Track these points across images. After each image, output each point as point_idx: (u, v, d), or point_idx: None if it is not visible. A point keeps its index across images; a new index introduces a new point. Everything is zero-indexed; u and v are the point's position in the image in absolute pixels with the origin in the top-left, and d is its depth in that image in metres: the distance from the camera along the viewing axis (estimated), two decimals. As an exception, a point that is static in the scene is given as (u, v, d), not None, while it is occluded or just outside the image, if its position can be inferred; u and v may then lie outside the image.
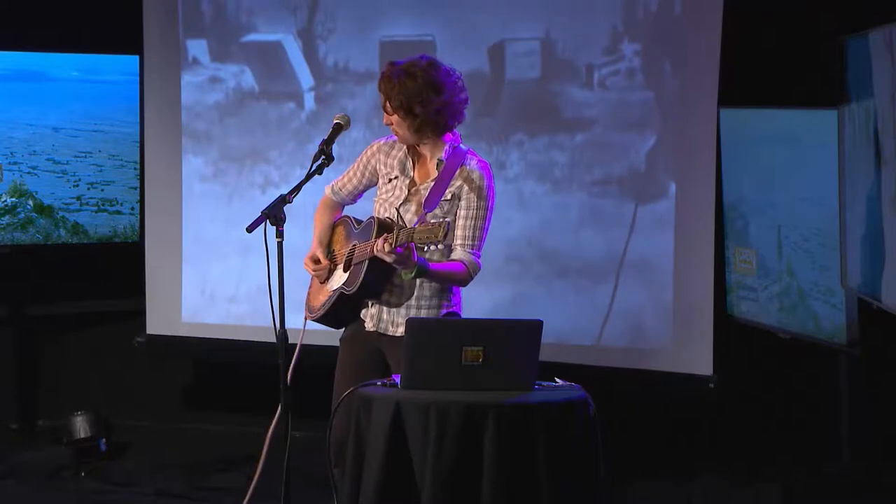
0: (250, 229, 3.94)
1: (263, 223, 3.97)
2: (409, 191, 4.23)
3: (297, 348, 4.25)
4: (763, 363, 5.84)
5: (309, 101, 5.92)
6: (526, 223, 5.63)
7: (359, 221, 4.33)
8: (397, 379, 3.87)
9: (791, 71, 5.57)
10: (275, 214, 3.94)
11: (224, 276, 6.05)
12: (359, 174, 4.39)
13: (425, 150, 4.25)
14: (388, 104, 4.16)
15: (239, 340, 6.02)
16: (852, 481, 5.49)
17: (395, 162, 4.29)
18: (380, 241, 3.98)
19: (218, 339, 6.09)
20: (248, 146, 6.02)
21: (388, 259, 3.97)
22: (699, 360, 5.43)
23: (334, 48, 5.86)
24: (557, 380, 3.96)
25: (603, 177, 5.55)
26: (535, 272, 5.64)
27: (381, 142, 4.35)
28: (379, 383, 3.91)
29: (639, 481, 5.64)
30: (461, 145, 4.25)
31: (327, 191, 4.47)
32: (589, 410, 3.85)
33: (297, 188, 4.13)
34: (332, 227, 4.44)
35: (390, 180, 4.29)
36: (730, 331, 5.68)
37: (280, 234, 3.96)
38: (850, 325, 5.17)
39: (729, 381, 5.52)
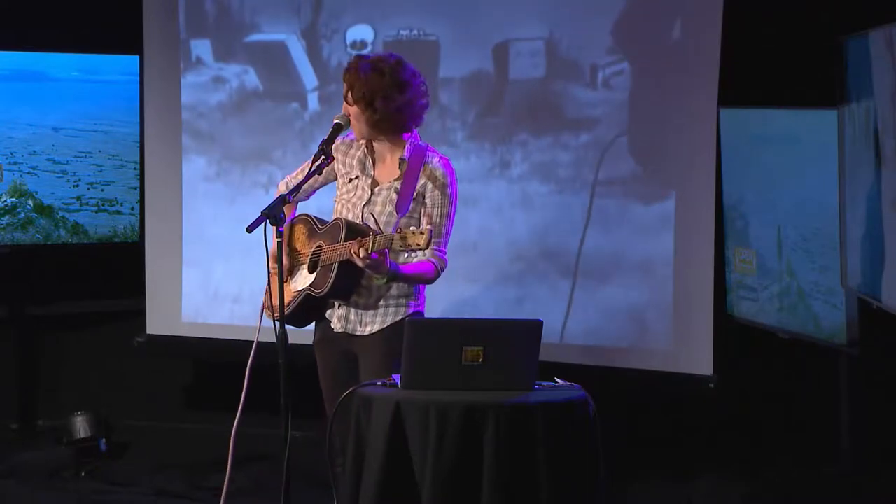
0: (250, 229, 3.94)
1: (263, 223, 3.96)
2: (371, 191, 4.20)
3: (254, 346, 4.25)
4: (763, 363, 5.84)
5: (312, 101, 5.92)
6: (530, 223, 5.63)
7: (322, 221, 4.28)
8: (397, 379, 3.87)
9: (791, 71, 5.57)
10: (274, 214, 3.93)
11: (224, 275, 6.05)
12: (312, 177, 4.30)
13: (384, 148, 4.22)
14: (349, 94, 4.14)
15: (239, 340, 6.00)
16: (852, 481, 5.49)
17: (355, 161, 4.26)
18: (354, 245, 3.95)
19: (218, 339, 6.08)
20: (252, 146, 6.01)
21: (361, 264, 3.95)
22: (699, 360, 5.43)
23: (338, 48, 5.86)
24: (557, 380, 3.96)
25: (606, 177, 5.54)
26: (537, 272, 5.63)
27: (338, 141, 4.29)
28: (379, 383, 3.91)
29: (639, 481, 5.63)
30: (420, 142, 4.23)
31: (281, 187, 4.41)
32: (589, 410, 3.84)
33: (297, 188, 4.13)
34: (291, 225, 4.37)
35: (350, 180, 4.26)
36: (730, 331, 5.68)
37: (280, 234, 3.95)
38: (850, 325, 5.17)
39: (729, 381, 5.52)
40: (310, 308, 4.25)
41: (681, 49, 5.39)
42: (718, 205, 5.56)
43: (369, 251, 3.91)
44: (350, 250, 3.97)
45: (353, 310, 4.22)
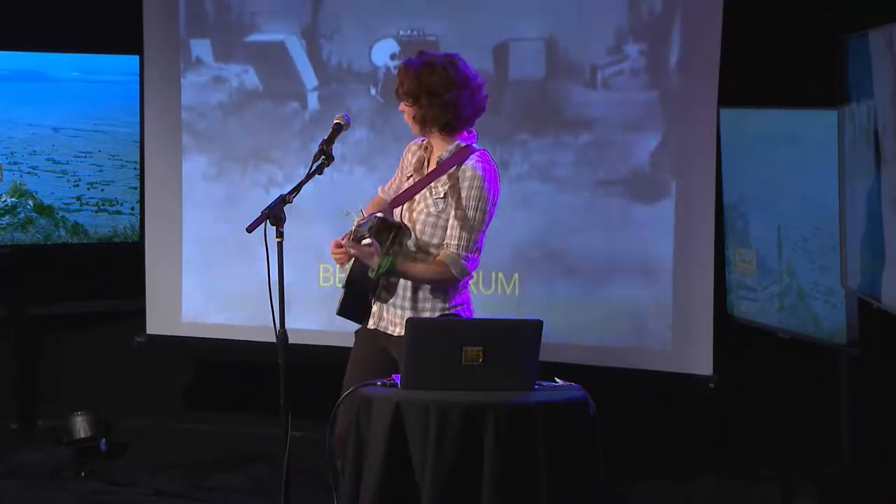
0: (250, 229, 3.94)
1: (264, 223, 3.96)
2: None
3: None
4: (763, 363, 5.84)
5: (312, 100, 5.91)
6: (529, 223, 5.63)
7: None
8: (397, 379, 3.87)
9: (791, 71, 5.57)
10: (275, 214, 3.93)
11: (224, 276, 6.05)
12: (398, 175, 4.43)
13: (436, 148, 4.27)
14: (399, 89, 4.19)
15: (239, 340, 6.02)
16: (852, 481, 5.49)
17: (415, 160, 4.31)
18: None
19: (218, 339, 6.08)
20: (252, 146, 6.01)
21: (350, 252, 4.06)
22: (699, 360, 5.43)
23: (338, 48, 5.86)
24: (557, 380, 3.96)
25: (606, 177, 5.54)
26: (537, 271, 5.63)
27: (413, 141, 4.37)
28: (379, 383, 3.91)
29: (639, 481, 5.64)
30: (474, 144, 4.24)
31: (378, 191, 4.51)
32: (589, 410, 3.84)
33: (298, 188, 4.12)
34: None
35: (408, 178, 4.31)
36: (730, 331, 5.68)
37: (280, 234, 3.95)
38: (850, 325, 5.17)
39: (729, 381, 5.52)
40: (352, 302, 4.29)
41: (681, 49, 5.39)
42: (718, 205, 5.56)
43: (349, 239, 4.04)
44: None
45: (384, 306, 4.25)
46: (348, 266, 4.29)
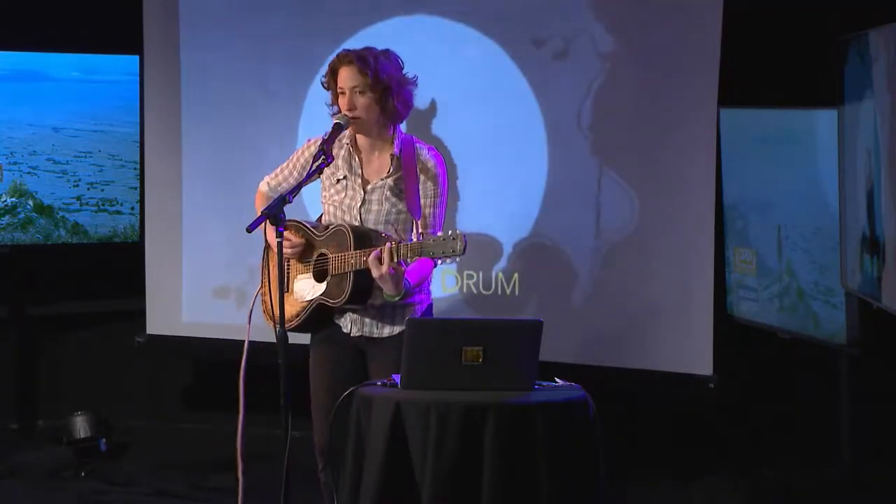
0: (250, 229, 3.93)
1: (263, 223, 3.96)
2: (364, 190, 4.16)
3: (245, 354, 4.24)
4: (763, 363, 5.84)
5: (311, 100, 5.90)
6: (532, 222, 5.62)
7: (315, 226, 4.23)
8: (397, 379, 3.87)
9: (791, 71, 5.57)
10: (275, 214, 3.92)
11: (224, 275, 6.04)
12: (296, 174, 4.28)
13: (371, 144, 4.17)
14: (361, 84, 4.06)
15: (239, 340, 5.97)
16: (852, 481, 5.49)
17: (341, 161, 4.18)
18: (376, 254, 3.92)
19: (218, 339, 6.08)
20: (252, 146, 6.00)
21: (376, 273, 3.91)
22: (699, 360, 5.42)
23: (337, 48, 5.83)
24: (557, 380, 3.96)
25: (606, 177, 5.54)
26: (536, 271, 5.63)
27: (320, 140, 4.19)
28: (379, 383, 3.91)
29: (639, 481, 5.63)
30: (404, 134, 4.18)
31: (264, 187, 4.36)
32: (589, 410, 3.84)
33: (298, 188, 4.11)
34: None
35: (338, 181, 4.20)
36: (730, 331, 5.68)
37: (280, 234, 3.94)
38: (850, 325, 5.17)
39: (729, 381, 5.51)
40: (321, 316, 4.21)
41: (681, 49, 5.38)
42: (718, 205, 5.55)
43: (396, 260, 3.89)
44: (367, 259, 3.94)
45: (367, 313, 4.18)
46: (307, 283, 4.19)
